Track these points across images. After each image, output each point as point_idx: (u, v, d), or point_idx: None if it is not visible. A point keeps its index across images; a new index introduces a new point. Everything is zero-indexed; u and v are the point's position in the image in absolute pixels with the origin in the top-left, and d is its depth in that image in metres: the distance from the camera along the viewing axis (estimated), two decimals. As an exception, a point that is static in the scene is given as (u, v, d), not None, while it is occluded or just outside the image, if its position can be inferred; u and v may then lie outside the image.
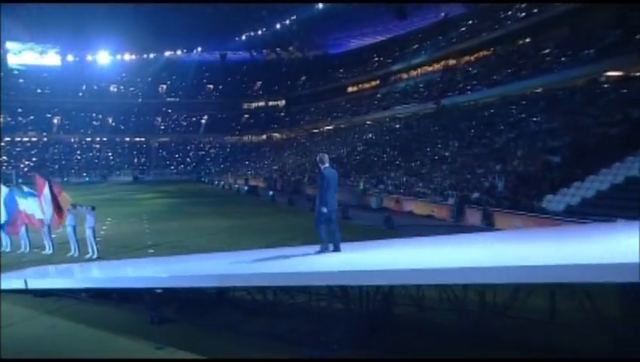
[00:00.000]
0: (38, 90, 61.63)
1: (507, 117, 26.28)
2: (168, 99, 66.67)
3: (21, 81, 61.17)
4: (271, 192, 28.74)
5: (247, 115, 66.23)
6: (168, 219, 19.52)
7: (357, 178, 29.18)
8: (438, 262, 4.96)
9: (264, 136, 63.42)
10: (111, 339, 6.43)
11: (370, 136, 40.86)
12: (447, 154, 25.85)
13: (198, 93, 67.38)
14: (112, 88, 66.17)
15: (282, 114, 63.62)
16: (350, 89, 53.80)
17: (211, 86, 68.65)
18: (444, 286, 5.47)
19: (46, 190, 11.38)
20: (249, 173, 48.05)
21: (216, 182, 45.07)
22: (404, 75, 45.64)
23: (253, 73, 67.05)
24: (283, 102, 64.45)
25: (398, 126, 39.17)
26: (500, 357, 5.03)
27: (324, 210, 6.30)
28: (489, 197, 17.72)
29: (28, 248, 12.40)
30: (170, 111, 66.49)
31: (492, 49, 35.75)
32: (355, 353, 5.54)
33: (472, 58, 37.78)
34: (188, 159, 61.93)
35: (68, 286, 7.70)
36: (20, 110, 59.97)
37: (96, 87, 64.82)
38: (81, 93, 63.59)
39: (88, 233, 11.53)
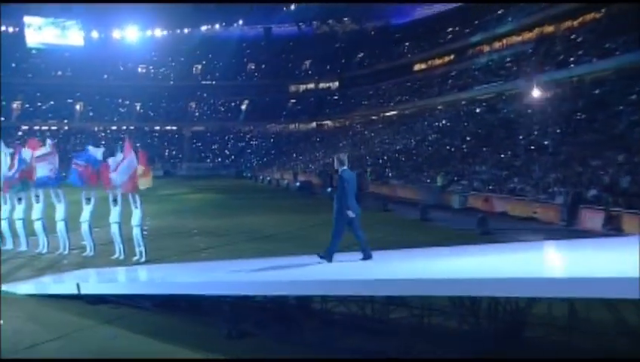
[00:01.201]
0: (59, 72, 64.64)
1: (627, 94, 24.65)
2: (204, 81, 68.30)
3: (40, 61, 64.32)
4: (329, 189, 28.57)
5: (294, 100, 66.63)
6: (213, 219, 19.77)
7: (432, 172, 28.51)
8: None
9: (314, 124, 63.57)
10: (184, 354, 6.35)
11: (444, 122, 39.96)
12: (546, 142, 24.65)
13: (238, 74, 68.53)
14: (141, 69, 68.64)
15: (335, 97, 63.47)
16: (417, 67, 52.82)
17: (253, 66, 69.62)
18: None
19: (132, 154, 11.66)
20: (298, 166, 48.35)
21: (261, 178, 45.59)
22: (486, 48, 44.05)
23: (302, 50, 67.29)
24: (336, 83, 64.26)
25: (478, 110, 37.97)
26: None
27: (352, 214, 6.93)
28: (611, 195, 16.70)
29: (67, 249, 12.76)
30: (205, 95, 68.11)
31: (602, 10, 33.56)
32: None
33: (576, 23, 35.69)
34: (226, 151, 63.21)
35: (128, 292, 7.70)
36: (38, 94, 63.38)
37: (122, 69, 67.44)
38: (106, 76, 66.27)
39: (136, 232, 11.69)
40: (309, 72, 67.07)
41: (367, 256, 7.19)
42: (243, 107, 67.73)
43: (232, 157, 61.75)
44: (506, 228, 15.76)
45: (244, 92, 67.19)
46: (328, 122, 62.34)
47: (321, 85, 65.68)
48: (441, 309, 6.45)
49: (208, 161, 61.46)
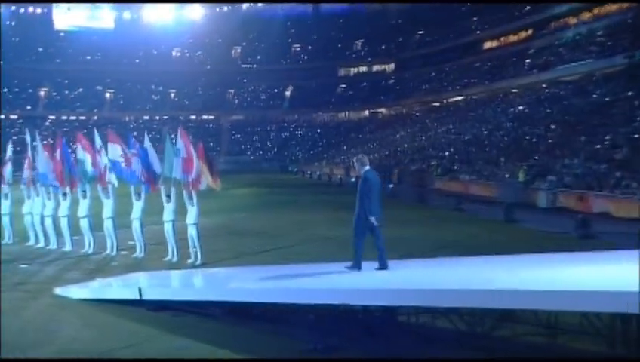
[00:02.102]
0: (88, 57, 66.79)
1: None
2: (244, 65, 69.27)
3: (68, 46, 66.61)
4: (391, 185, 28.51)
5: (344, 85, 66.54)
6: (264, 217, 19.89)
7: (509, 166, 27.77)
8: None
9: (366, 112, 63.31)
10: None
11: (521, 108, 38.93)
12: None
13: (282, 56, 69.01)
14: (175, 53, 70.27)
15: (391, 81, 62.97)
16: (488, 44, 51.67)
17: (299, 47, 69.96)
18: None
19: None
20: (349, 160, 48.17)
21: (309, 172, 45.74)
22: (572, 20, 42.42)
23: (353, 28, 66.97)
24: (392, 65, 63.70)
25: (563, 92, 36.68)
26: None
27: (373, 219, 7.31)
28: None
29: (115, 249, 13.08)
30: (245, 81, 69.01)
31: None
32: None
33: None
34: (268, 143, 63.83)
35: (198, 299, 7.74)
36: (66, 82, 65.87)
37: (155, 52, 69.18)
38: (137, 60, 68.19)
39: (191, 231, 11.81)
40: (362, 53, 66.79)
41: (382, 266, 7.58)
42: (287, 93, 68.20)
43: (275, 149, 62.30)
44: (613, 232, 15.01)
45: (288, 77, 67.62)
46: (383, 110, 61.93)
47: (375, 68, 65.26)
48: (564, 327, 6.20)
49: (248, 153, 62.23)
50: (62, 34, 67.36)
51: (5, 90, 62.58)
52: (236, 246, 14.02)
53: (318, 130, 64.37)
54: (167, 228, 12.20)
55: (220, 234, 15.84)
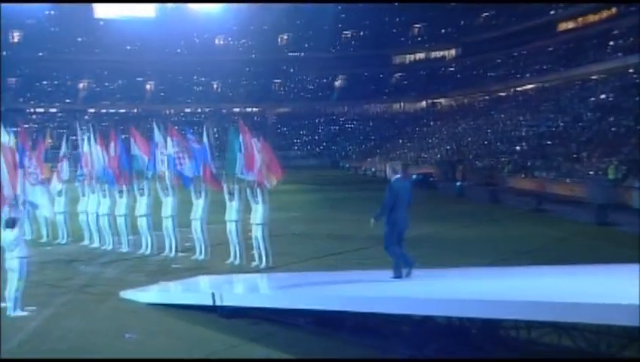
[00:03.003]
0: (128, 47, 68.38)
1: None
2: (290, 54, 69.63)
3: (107, 36, 68.23)
4: (458, 183, 28.09)
5: (399, 73, 66.00)
6: (324, 217, 19.85)
7: (594, 162, 26.87)
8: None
9: (424, 103, 62.57)
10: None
11: (604, 96, 37.66)
12: None
13: (331, 44, 68.89)
14: (218, 41, 71.16)
15: (452, 69, 62.06)
16: (563, 25, 50.11)
17: (349, 33, 69.74)
18: None
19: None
20: (407, 155, 47.81)
21: (362, 168, 45.61)
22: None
23: (410, 11, 66.17)
24: (453, 51, 62.69)
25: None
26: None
27: (392, 228, 7.90)
28: None
29: (174, 250, 13.23)
30: (292, 70, 69.35)
31: None
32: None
33: None
34: (316, 137, 63.93)
35: (282, 306, 7.69)
36: (105, 73, 67.74)
37: (197, 41, 70.30)
38: (179, 50, 69.38)
39: (257, 232, 11.80)
40: (419, 39, 65.99)
41: (397, 275, 7.97)
42: (337, 84, 68.17)
43: (324, 144, 62.34)
44: None
45: (338, 65, 67.46)
46: (442, 100, 61.16)
47: (434, 54, 64.40)
48: None
49: (295, 148, 62.45)
50: (102, 23, 69.16)
51: (45, 82, 64.98)
52: (301, 248, 13.97)
53: (371, 123, 64.05)
54: (230, 228, 12.23)
55: (280, 235, 15.79)
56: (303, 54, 69.39)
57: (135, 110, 66.31)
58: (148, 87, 68.88)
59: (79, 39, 66.54)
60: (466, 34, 60.76)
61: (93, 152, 14.25)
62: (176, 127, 13.95)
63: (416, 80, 63.78)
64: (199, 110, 67.21)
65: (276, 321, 8.04)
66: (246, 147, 11.83)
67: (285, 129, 65.73)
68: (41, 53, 64.07)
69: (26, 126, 56.66)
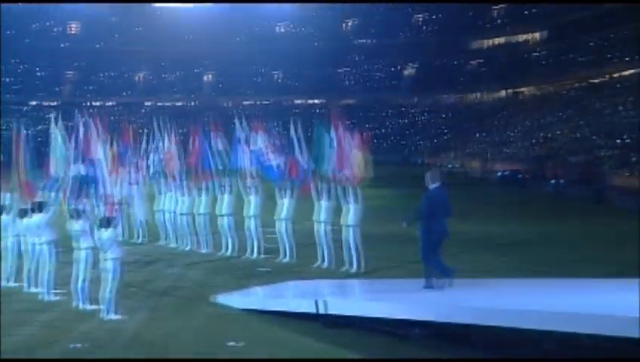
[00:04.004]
0: (186, 37, 69.69)
1: None
2: (357, 41, 69.31)
3: (164, 24, 69.62)
4: (553, 181, 27.45)
5: (476, 60, 64.59)
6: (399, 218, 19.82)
7: None
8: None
9: (503, 93, 61.06)
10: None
11: None
12: None
13: (401, 29, 68.22)
14: (279, 29, 71.64)
15: (536, 54, 60.30)
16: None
17: (421, 17, 68.84)
18: None
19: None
20: (485, 150, 46.93)
21: (438, 165, 44.95)
22: None
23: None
24: (537, 35, 60.87)
25: None
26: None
27: (429, 237, 8.43)
28: None
29: (257, 253, 13.32)
30: (358, 59, 69.09)
31: None
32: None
33: None
34: (384, 130, 63.53)
35: (398, 317, 7.64)
36: (162, 64, 69.35)
37: (257, 29, 70.98)
38: (238, 39, 70.23)
39: (348, 234, 11.72)
40: (499, 21, 64.34)
41: (427, 285, 8.43)
42: (407, 73, 67.51)
43: (392, 138, 61.86)
44: None
45: (408, 53, 66.72)
46: (525, 89, 59.54)
47: (517, 38, 62.58)
48: None
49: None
50: (158, 12, 70.83)
51: (102, 75, 67.26)
52: (389, 252, 13.83)
53: (444, 115, 63.03)
54: (319, 229, 12.28)
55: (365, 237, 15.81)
56: (369, 41, 68.92)
57: (192, 103, 67.62)
58: (206, 78, 70.16)
59: (137, 29, 68.35)
60: (553, 15, 58.56)
61: (172, 148, 14.52)
62: (260, 121, 14.05)
63: (495, 67, 62.04)
64: (259, 102, 67.74)
65: (385, 332, 7.96)
66: (339, 142, 11.80)
67: (350, 121, 65.41)
68: (98, 45, 66.29)
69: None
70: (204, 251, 13.94)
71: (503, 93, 61.30)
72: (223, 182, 13.65)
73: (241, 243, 13.66)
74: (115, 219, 8.92)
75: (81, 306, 9.21)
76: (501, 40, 63.52)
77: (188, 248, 14.35)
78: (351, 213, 11.69)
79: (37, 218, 9.71)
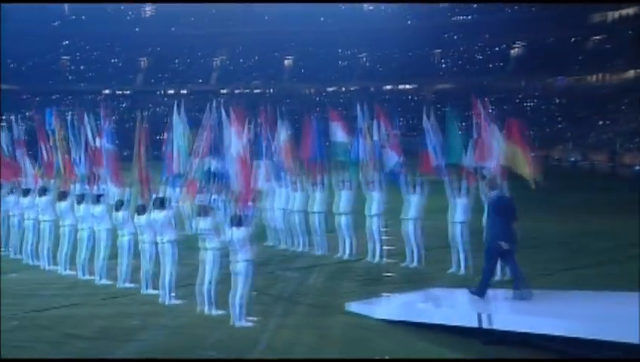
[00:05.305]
0: (265, 17, 70.44)
1: None
2: (454, 18, 68.15)
3: (241, 5, 70.47)
4: None
5: (598, 36, 61.87)
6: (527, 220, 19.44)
7: None
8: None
9: (631, 73, 58.22)
10: None
11: None
12: None
13: (505, 4, 66.54)
14: (368, 6, 71.31)
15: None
16: None
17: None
18: None
19: None
20: (612, 141, 45.30)
21: (556, 158, 43.95)
22: None
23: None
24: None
25: None
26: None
27: (505, 245, 8.99)
28: None
29: (377, 256, 13.21)
30: (456, 38, 67.95)
31: None
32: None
33: None
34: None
35: (582, 336, 7.41)
36: (240, 48, 70.55)
37: (343, 7, 70.96)
38: (322, 18, 70.45)
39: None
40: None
41: (521, 296, 8.83)
42: (512, 52, 65.85)
43: (496, 127, 60.55)
44: None
45: (514, 29, 64.88)
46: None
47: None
48: None
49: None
50: (234, -9, 72.09)
51: (177, 60, 69.08)
52: (537, 257, 13.44)
53: (557, 101, 61.03)
54: (454, 231, 12.13)
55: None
56: (469, 18, 67.73)
57: (271, 90, 68.18)
58: (286, 62, 70.71)
59: (213, 11, 69.62)
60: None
61: (282, 138, 14.56)
62: (381, 108, 13.97)
63: (620, 43, 59.50)
64: (343, 89, 67.69)
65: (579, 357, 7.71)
66: (483, 130, 11.57)
67: (446, 109, 64.47)
68: (173, 28, 68.11)
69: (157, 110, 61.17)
70: (318, 253, 13.99)
71: (631, 73, 58.45)
72: (342, 176, 13.66)
73: (359, 245, 13.67)
74: (248, 217, 9.01)
75: (206, 311, 9.41)
76: (629, 11, 60.58)
77: (299, 249, 14.45)
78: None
79: (158, 215, 9.97)
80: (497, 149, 11.30)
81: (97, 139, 11.96)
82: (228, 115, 9.69)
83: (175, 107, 12.64)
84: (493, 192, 9.71)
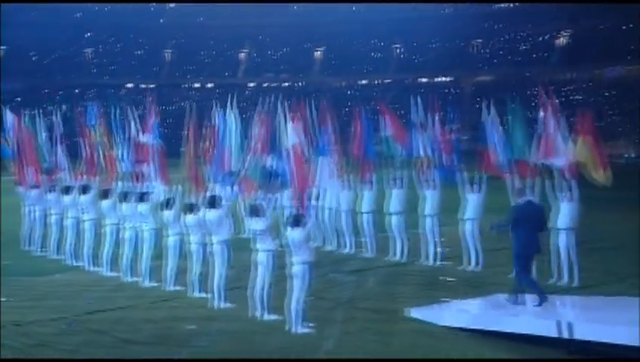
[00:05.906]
0: (295, 7, 70.50)
1: None
2: (495, 5, 67.44)
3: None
4: None
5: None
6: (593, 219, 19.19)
7: None
8: None
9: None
10: None
11: None
12: None
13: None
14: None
15: None
16: None
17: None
18: None
19: None
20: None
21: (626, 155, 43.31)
22: None
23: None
24: None
25: None
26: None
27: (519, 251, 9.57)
28: None
29: (432, 259, 13.12)
30: (497, 27, 67.34)
31: None
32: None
33: None
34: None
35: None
36: (267, 40, 70.77)
37: (376, -5, 70.74)
38: (354, 8, 70.23)
39: (560, 240, 11.36)
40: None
41: (541, 300, 9.12)
42: (559, 42, 65.02)
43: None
44: None
45: (562, 17, 64.13)
46: None
47: None
48: None
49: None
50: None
51: (202, 52, 69.42)
52: (602, 261, 13.25)
53: (606, 93, 60.15)
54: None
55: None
56: (510, 5, 67.18)
57: (300, 83, 68.19)
58: (317, 54, 70.63)
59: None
60: None
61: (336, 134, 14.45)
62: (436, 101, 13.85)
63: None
64: (376, 82, 67.33)
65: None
66: (546, 125, 11.41)
67: (486, 103, 63.87)
68: (201, 18, 68.46)
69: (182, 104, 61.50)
70: (368, 255, 13.95)
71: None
72: (395, 174, 13.57)
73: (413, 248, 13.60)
74: (306, 217, 8.96)
75: (259, 315, 9.40)
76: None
77: (346, 251, 14.41)
78: (563, 214, 11.28)
79: (209, 214, 9.98)
80: (565, 146, 11.13)
81: (142, 135, 12.00)
82: (283, 110, 9.64)
83: (229, 102, 12.62)
84: (521, 200, 10.16)
